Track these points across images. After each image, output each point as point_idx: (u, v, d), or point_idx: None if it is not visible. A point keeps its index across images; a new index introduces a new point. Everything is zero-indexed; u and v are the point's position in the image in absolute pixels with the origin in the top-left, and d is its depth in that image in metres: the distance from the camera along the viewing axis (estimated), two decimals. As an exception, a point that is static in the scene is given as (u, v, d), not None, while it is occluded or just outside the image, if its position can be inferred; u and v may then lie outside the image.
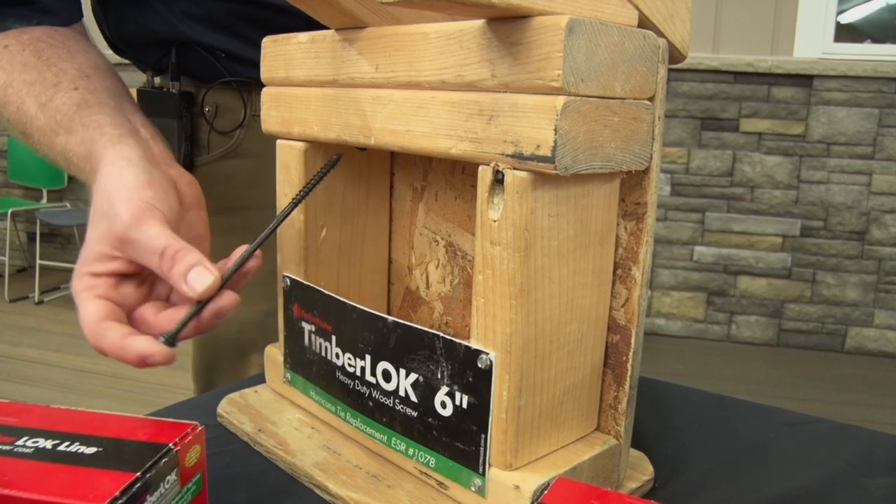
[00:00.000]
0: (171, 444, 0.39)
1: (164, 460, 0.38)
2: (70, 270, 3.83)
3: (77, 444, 0.39)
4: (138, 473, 0.36)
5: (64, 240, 4.29)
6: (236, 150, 0.83)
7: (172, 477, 0.39)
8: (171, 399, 0.72)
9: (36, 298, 3.71)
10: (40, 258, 3.83)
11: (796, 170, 3.14)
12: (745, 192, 3.19)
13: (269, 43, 0.56)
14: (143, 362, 0.44)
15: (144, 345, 0.44)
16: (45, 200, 4.07)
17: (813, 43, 3.21)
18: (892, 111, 3.02)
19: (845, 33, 3.23)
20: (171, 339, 0.46)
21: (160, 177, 0.51)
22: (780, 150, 3.13)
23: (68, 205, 4.13)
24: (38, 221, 3.81)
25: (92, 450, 0.39)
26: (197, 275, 0.45)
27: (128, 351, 0.44)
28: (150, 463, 0.38)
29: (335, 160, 0.53)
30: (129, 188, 0.48)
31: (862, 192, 3.10)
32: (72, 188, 4.11)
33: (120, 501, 0.35)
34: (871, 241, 3.14)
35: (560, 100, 0.37)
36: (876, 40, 3.25)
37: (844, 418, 0.69)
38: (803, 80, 3.06)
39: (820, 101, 3.07)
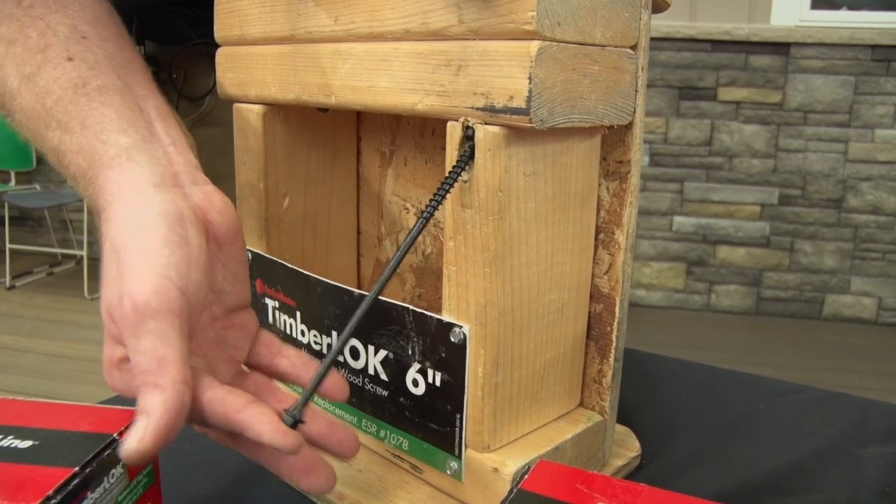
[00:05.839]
0: (115, 435, 0.36)
1: (107, 452, 0.35)
2: (42, 254, 3.73)
3: (11, 437, 0.36)
4: (77, 468, 0.33)
5: (35, 223, 4.20)
6: (206, 117, 0.79)
7: (118, 470, 0.36)
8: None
9: (7, 283, 3.63)
10: (10, 242, 3.74)
11: (774, 138, 3.12)
12: (724, 161, 3.18)
13: (221, -1, 0.52)
14: (259, 442, 0.34)
15: (267, 428, 0.34)
16: (13, 183, 3.97)
17: (790, 10, 3.19)
18: (868, 79, 3.02)
19: (822, 0, 3.21)
20: (298, 417, 0.35)
21: (183, 216, 0.37)
22: (757, 118, 3.12)
23: (38, 187, 4.03)
24: (6, 205, 3.72)
25: (27, 444, 0.35)
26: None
27: (249, 428, 0.34)
28: (90, 456, 0.34)
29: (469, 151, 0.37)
30: (141, 252, 0.35)
31: (838, 160, 3.10)
32: (41, 170, 4.01)
33: (54, 501, 0.31)
34: (848, 209, 3.15)
35: (534, 45, 0.34)
36: (852, 7, 3.24)
37: (824, 385, 0.68)
38: (780, 47, 3.04)
39: (797, 69, 3.05)
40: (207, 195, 0.40)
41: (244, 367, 0.43)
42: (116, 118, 0.40)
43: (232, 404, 0.35)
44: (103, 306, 0.35)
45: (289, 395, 0.40)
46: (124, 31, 0.48)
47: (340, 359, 0.48)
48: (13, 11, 0.44)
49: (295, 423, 0.35)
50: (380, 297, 0.44)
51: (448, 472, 0.43)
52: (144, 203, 0.37)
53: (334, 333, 0.47)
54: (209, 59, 0.76)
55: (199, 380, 0.36)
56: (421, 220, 0.38)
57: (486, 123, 0.36)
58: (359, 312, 0.37)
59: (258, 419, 0.34)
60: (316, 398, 0.42)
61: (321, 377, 0.37)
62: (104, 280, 0.36)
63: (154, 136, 0.41)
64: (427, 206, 0.38)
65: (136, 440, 0.32)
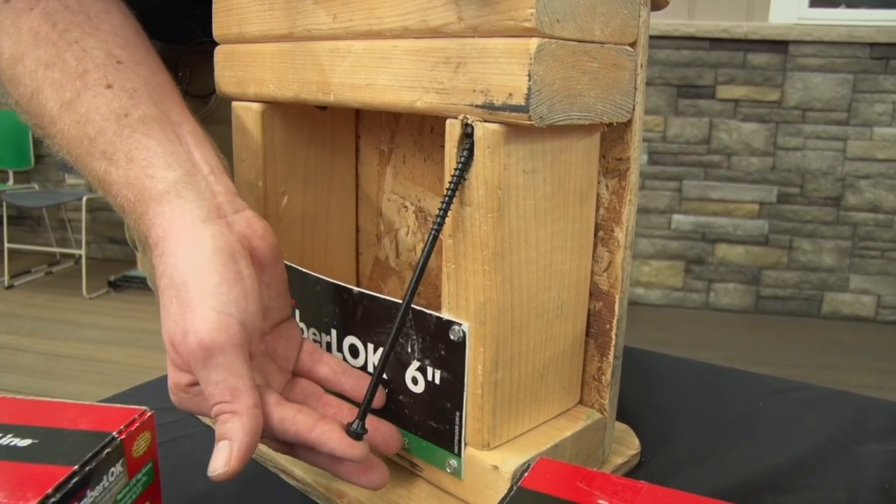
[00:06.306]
0: (114, 433, 0.36)
1: (106, 451, 0.35)
2: (40, 254, 3.73)
3: (10, 436, 0.36)
4: (76, 467, 0.33)
5: (33, 222, 4.20)
6: (213, 115, 0.78)
7: (118, 468, 0.36)
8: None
9: (6, 283, 3.63)
10: (9, 241, 3.74)
11: (772, 136, 3.13)
12: (722, 159, 3.18)
13: (219, -3, 0.52)
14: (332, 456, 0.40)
15: (338, 444, 0.38)
16: (11, 182, 3.97)
17: (788, 8, 3.19)
18: (866, 76, 3.02)
19: (820, -2, 3.21)
20: (361, 431, 0.39)
21: (234, 250, 0.40)
22: (756, 116, 3.12)
23: (36, 186, 4.03)
24: (4, 204, 3.71)
25: (26, 442, 0.35)
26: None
27: (322, 445, 0.39)
28: (90, 454, 0.34)
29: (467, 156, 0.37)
30: (201, 291, 0.38)
31: (837, 157, 3.10)
32: (39, 169, 4.01)
33: (53, 500, 0.31)
34: (846, 207, 3.15)
35: (534, 42, 0.33)
36: (850, 5, 3.24)
37: (823, 382, 0.68)
38: (779, 45, 3.04)
39: (795, 67, 3.05)
40: (249, 222, 0.42)
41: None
42: (161, 152, 0.42)
43: (303, 423, 0.39)
44: (166, 338, 0.39)
45: (332, 400, 0.44)
46: (153, 51, 0.49)
47: (339, 356, 0.48)
48: (49, 35, 0.45)
49: (360, 436, 0.39)
50: (379, 296, 0.44)
51: (448, 470, 0.43)
52: (196, 240, 0.39)
53: (334, 331, 0.47)
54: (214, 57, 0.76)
55: (266, 397, 0.39)
56: (432, 231, 0.38)
57: (486, 121, 0.36)
58: (396, 323, 0.39)
59: (329, 436, 0.39)
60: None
61: (374, 391, 0.40)
62: (164, 314, 0.39)
63: (195, 167, 0.43)
64: (436, 216, 0.38)
65: (223, 463, 0.36)
